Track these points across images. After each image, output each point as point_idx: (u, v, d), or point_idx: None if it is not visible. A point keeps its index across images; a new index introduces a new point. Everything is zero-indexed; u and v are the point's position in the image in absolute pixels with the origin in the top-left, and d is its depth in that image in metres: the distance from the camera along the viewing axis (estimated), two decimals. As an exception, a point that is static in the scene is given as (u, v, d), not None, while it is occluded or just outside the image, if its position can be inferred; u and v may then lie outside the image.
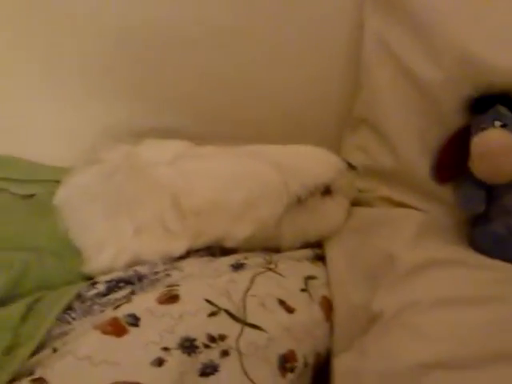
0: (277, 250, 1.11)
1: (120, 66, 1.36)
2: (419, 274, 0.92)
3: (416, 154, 1.14)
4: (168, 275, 0.98)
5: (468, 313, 0.83)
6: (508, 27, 1.09)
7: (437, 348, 0.78)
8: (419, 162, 1.13)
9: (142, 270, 1.02)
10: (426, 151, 1.11)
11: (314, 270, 1.05)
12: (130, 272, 1.01)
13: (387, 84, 1.21)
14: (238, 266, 1.00)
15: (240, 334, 0.83)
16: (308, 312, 0.94)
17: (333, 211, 1.15)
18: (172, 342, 0.79)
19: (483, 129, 1.01)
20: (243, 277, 0.94)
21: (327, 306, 0.98)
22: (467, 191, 1.03)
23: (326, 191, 1.13)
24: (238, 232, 1.06)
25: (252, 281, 0.93)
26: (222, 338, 0.82)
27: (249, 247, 1.09)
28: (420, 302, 0.85)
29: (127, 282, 0.99)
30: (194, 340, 0.80)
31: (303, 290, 0.97)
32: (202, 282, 0.92)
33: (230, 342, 0.82)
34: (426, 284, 0.90)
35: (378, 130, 1.22)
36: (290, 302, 0.92)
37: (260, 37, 1.33)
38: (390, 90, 1.20)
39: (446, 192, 1.11)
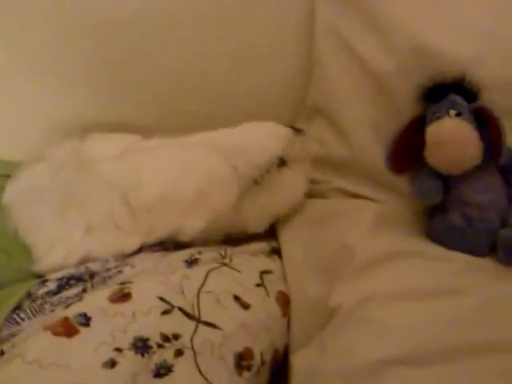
0: (244, 234, 1.11)
1: (70, 59, 1.32)
2: (377, 266, 0.91)
3: (371, 144, 1.14)
4: (120, 272, 0.96)
5: (427, 306, 0.82)
6: (460, 15, 1.10)
7: (397, 343, 0.77)
8: (374, 152, 1.13)
9: (94, 266, 1.00)
10: (380, 141, 1.11)
11: (270, 264, 1.04)
12: (81, 269, 0.99)
13: (340, 74, 1.20)
14: (191, 262, 0.98)
15: (194, 332, 0.81)
16: (264, 307, 0.92)
17: (293, 180, 1.15)
18: (124, 342, 0.76)
19: (438, 118, 1.01)
20: (197, 273, 0.92)
21: (284, 301, 0.97)
22: (424, 182, 1.03)
23: (281, 163, 1.13)
24: (192, 225, 1.04)
25: (206, 277, 0.91)
26: (176, 336, 0.80)
27: (208, 238, 1.07)
28: (378, 296, 0.85)
29: (78, 279, 0.97)
30: (147, 340, 0.78)
31: (259, 285, 0.96)
32: (154, 278, 0.89)
33: (184, 341, 0.80)
34: (384, 277, 0.90)
35: (332, 121, 1.21)
36: (246, 298, 0.91)
37: (208, 25, 1.30)
38: (343, 80, 1.20)
39: (401, 182, 1.11)
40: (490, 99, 1.03)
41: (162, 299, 0.84)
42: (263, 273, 0.99)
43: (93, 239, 1.04)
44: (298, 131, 1.16)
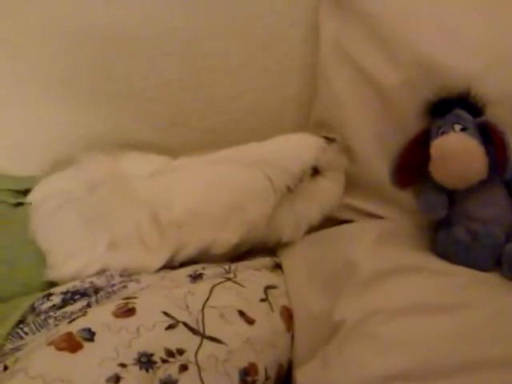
0: (278, 243, 1.13)
1: (71, 74, 1.33)
2: (381, 281, 0.91)
3: (376, 158, 1.14)
4: (125, 287, 0.96)
5: (431, 321, 0.82)
6: (465, 30, 1.10)
7: (401, 359, 0.77)
8: (379, 166, 1.13)
9: (99, 282, 0.99)
10: (385, 155, 1.11)
11: (274, 279, 1.03)
12: (87, 284, 0.98)
13: (345, 88, 1.20)
14: (195, 277, 0.98)
15: (199, 348, 0.81)
16: (268, 323, 0.92)
17: (328, 188, 1.16)
18: (129, 357, 0.76)
19: (443, 133, 1.01)
20: (201, 288, 0.92)
21: (288, 316, 0.96)
22: (429, 196, 1.02)
23: (315, 172, 1.14)
24: (227, 238, 1.05)
25: (211, 292, 0.91)
26: (181, 352, 0.79)
27: (245, 248, 1.09)
28: (383, 311, 0.84)
29: (83, 294, 0.96)
30: (152, 355, 0.77)
31: (263, 300, 0.95)
32: (159, 293, 0.89)
33: (188, 356, 0.79)
34: (389, 291, 0.89)
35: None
36: (250, 313, 0.90)
37: (213, 40, 1.32)
38: (348, 94, 1.19)
39: (406, 197, 1.11)
40: (495, 114, 1.03)
41: (166, 314, 0.83)
42: (267, 288, 0.99)
43: (114, 255, 1.04)
44: (331, 140, 1.16)
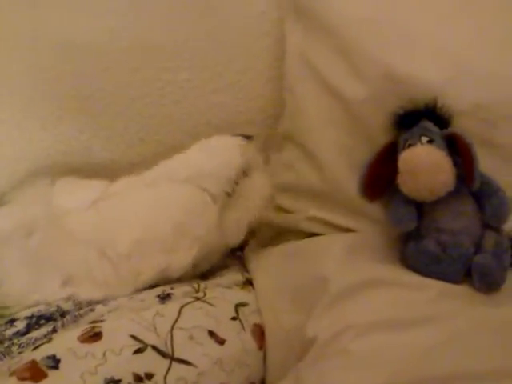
0: (226, 249, 1.13)
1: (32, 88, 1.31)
2: (352, 295, 0.90)
3: (344, 171, 1.13)
4: (91, 310, 0.94)
5: (403, 336, 0.81)
6: (430, 41, 1.11)
7: (373, 375, 0.76)
8: (347, 179, 1.12)
9: (65, 305, 0.97)
10: (353, 168, 1.10)
11: (245, 296, 1.02)
12: (53, 308, 0.96)
13: (311, 101, 1.20)
14: (164, 297, 0.96)
15: (168, 371, 0.80)
16: (239, 342, 0.91)
17: (260, 184, 1.15)
18: (95, 384, 0.74)
19: (410, 145, 1.00)
20: (170, 309, 0.90)
21: (260, 334, 0.95)
22: (398, 208, 1.02)
23: (244, 171, 1.13)
24: (180, 260, 1.03)
25: (179, 312, 0.89)
26: (149, 376, 0.78)
27: (205, 265, 1.09)
28: (354, 327, 0.84)
29: (48, 318, 0.94)
30: (119, 381, 0.76)
31: (234, 319, 0.94)
32: (126, 316, 0.87)
33: (157, 380, 0.78)
34: (360, 307, 0.88)
35: (304, 148, 1.20)
36: (220, 333, 0.89)
37: (179, 55, 1.31)
38: (315, 107, 1.19)
39: (375, 209, 1.10)
40: (462, 125, 1.04)
41: (134, 338, 0.82)
42: (238, 305, 0.97)
43: (71, 290, 1.01)
44: (248, 138, 1.16)
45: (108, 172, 1.28)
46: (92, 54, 1.28)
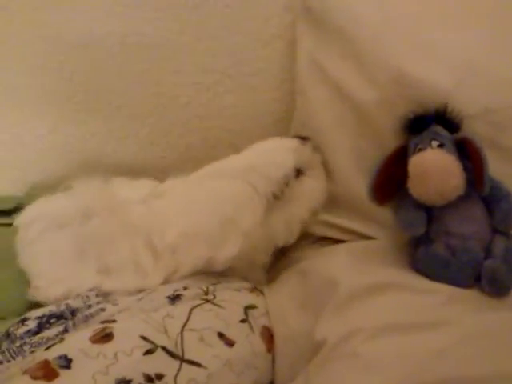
0: (276, 249, 1.13)
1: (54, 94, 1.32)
2: (362, 299, 0.90)
3: (354, 174, 1.14)
4: (102, 310, 0.94)
5: (412, 340, 0.81)
6: (440, 45, 1.11)
7: (382, 378, 0.76)
8: (357, 183, 1.13)
9: (74, 303, 0.98)
10: (363, 172, 1.11)
11: (254, 299, 1.02)
12: (62, 306, 0.97)
13: (323, 105, 1.20)
14: (174, 298, 0.96)
15: (178, 372, 0.80)
16: (249, 344, 0.91)
17: (313, 186, 1.15)
18: (107, 384, 0.75)
19: (420, 149, 1.00)
20: (180, 310, 0.91)
21: (269, 337, 0.95)
22: (407, 213, 1.02)
23: (299, 173, 1.13)
24: (226, 253, 1.03)
25: (189, 314, 0.90)
26: (159, 377, 0.78)
27: (241, 260, 1.07)
28: (363, 330, 0.83)
29: (59, 317, 0.95)
30: (130, 381, 0.76)
31: (243, 321, 0.94)
32: (137, 317, 0.88)
33: (167, 381, 0.78)
34: (370, 310, 0.88)
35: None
36: (230, 335, 0.89)
37: (188, 57, 1.32)
38: (326, 111, 1.19)
39: (385, 213, 1.10)
40: (472, 129, 1.04)
41: (144, 339, 0.82)
42: (247, 308, 0.98)
43: (106, 280, 1.04)
44: (304, 139, 1.15)
45: (120, 174, 1.28)
46: (104, 55, 1.29)
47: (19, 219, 1.14)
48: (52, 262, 1.07)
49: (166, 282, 1.04)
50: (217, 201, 1.06)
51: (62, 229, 1.09)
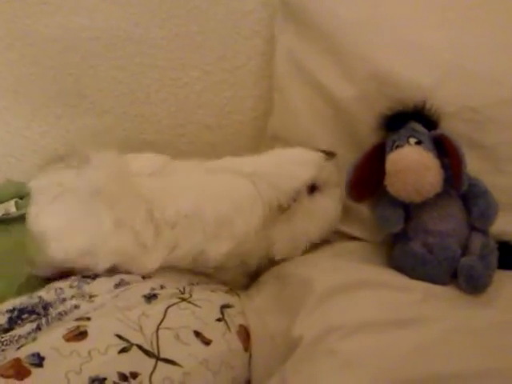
0: (271, 260, 1.09)
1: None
2: (339, 296, 0.90)
3: (333, 171, 1.13)
4: (76, 307, 0.92)
5: (388, 337, 0.81)
6: (419, 43, 1.11)
7: (359, 375, 0.76)
8: (336, 180, 1.12)
9: (47, 296, 0.95)
10: (340, 169, 1.10)
11: (230, 298, 1.02)
12: (35, 299, 0.93)
13: (300, 101, 1.20)
14: (150, 297, 0.95)
15: (153, 370, 0.79)
16: (225, 342, 0.90)
17: (326, 205, 1.11)
18: (80, 382, 0.73)
19: (398, 146, 1.00)
20: (156, 309, 0.90)
21: (245, 335, 0.95)
22: (384, 210, 1.02)
23: (313, 189, 1.09)
24: (215, 249, 1.02)
25: (165, 313, 0.89)
26: (134, 375, 0.77)
27: (233, 261, 1.06)
28: (341, 327, 0.83)
29: (31, 311, 0.92)
30: (104, 380, 0.75)
31: (219, 320, 0.93)
32: (112, 316, 0.86)
33: (142, 379, 0.77)
34: (347, 307, 0.88)
35: (292, 149, 1.19)
36: (206, 333, 0.89)
37: (168, 52, 1.30)
38: (303, 107, 1.19)
39: (363, 210, 1.10)
40: (451, 127, 1.04)
41: (119, 337, 0.81)
42: (223, 307, 0.97)
43: (121, 232, 1.03)
44: (329, 154, 1.11)
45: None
46: (79, 50, 1.27)
47: (33, 184, 1.13)
48: (66, 221, 1.04)
49: (165, 260, 1.03)
50: (219, 195, 1.05)
51: (74, 193, 1.07)
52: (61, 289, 0.97)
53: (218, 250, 1.02)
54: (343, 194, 1.10)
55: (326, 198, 1.10)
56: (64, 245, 1.02)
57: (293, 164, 1.08)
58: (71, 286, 0.98)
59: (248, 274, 1.14)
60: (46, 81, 1.29)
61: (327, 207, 1.11)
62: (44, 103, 1.30)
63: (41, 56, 1.27)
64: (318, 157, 1.09)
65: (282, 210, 1.05)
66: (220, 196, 1.05)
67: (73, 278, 1.01)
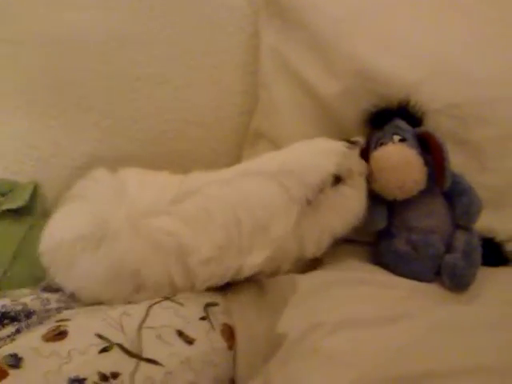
0: (302, 256, 1.04)
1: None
2: (323, 293, 0.90)
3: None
4: (59, 311, 0.92)
5: (373, 334, 0.81)
6: (404, 40, 1.11)
7: (343, 372, 0.75)
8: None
9: (32, 304, 0.94)
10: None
11: (214, 296, 1.01)
12: (18, 306, 0.93)
13: (284, 97, 1.20)
14: (131, 295, 0.94)
15: (135, 370, 0.78)
16: (209, 341, 0.89)
17: (351, 197, 1.04)
18: (59, 383, 0.73)
19: (382, 144, 1.00)
20: (138, 308, 0.89)
21: (229, 334, 0.94)
22: (368, 207, 1.02)
23: (337, 180, 1.02)
24: (249, 262, 0.99)
25: (147, 312, 0.88)
26: (115, 375, 0.76)
27: (269, 267, 1.02)
28: (325, 324, 0.83)
29: (13, 318, 0.91)
30: (84, 380, 0.74)
31: (203, 318, 0.93)
32: (92, 315, 0.86)
33: (123, 380, 0.77)
34: (331, 304, 0.88)
35: (276, 145, 1.19)
36: (189, 332, 0.88)
37: (152, 48, 1.29)
38: (288, 104, 1.19)
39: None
40: (436, 123, 1.04)
41: (100, 336, 0.80)
42: (207, 305, 0.96)
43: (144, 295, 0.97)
44: (353, 143, 1.05)
45: (77, 167, 1.28)
46: (63, 46, 1.26)
47: (43, 245, 1.03)
48: (89, 284, 0.98)
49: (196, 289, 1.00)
50: (250, 205, 1.00)
51: (92, 252, 0.98)
52: (47, 299, 0.97)
53: (253, 261, 0.99)
54: (366, 185, 1.05)
55: (349, 189, 1.04)
56: None
57: (316, 155, 1.04)
58: (58, 300, 0.98)
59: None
60: (26, 79, 1.29)
61: (352, 198, 1.04)
62: (25, 101, 1.29)
63: (20, 55, 1.27)
64: (340, 146, 1.04)
65: (309, 203, 1.00)
66: (250, 205, 1.00)
67: (61, 292, 1.00)
